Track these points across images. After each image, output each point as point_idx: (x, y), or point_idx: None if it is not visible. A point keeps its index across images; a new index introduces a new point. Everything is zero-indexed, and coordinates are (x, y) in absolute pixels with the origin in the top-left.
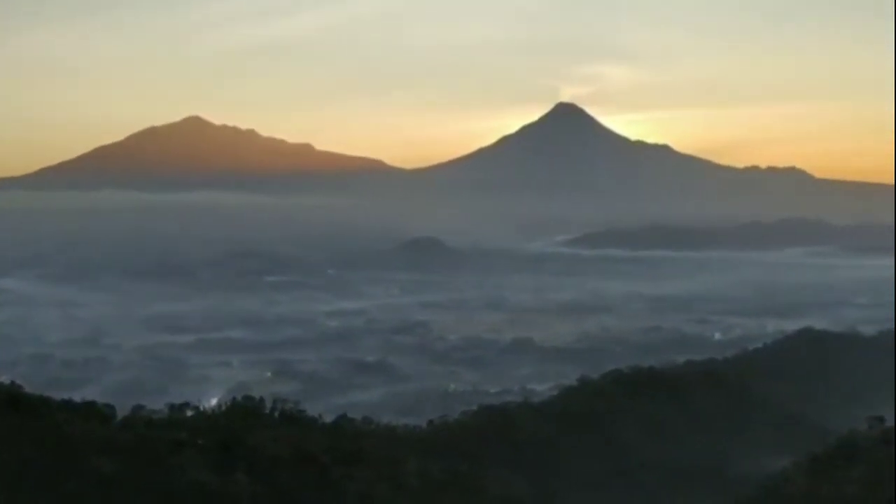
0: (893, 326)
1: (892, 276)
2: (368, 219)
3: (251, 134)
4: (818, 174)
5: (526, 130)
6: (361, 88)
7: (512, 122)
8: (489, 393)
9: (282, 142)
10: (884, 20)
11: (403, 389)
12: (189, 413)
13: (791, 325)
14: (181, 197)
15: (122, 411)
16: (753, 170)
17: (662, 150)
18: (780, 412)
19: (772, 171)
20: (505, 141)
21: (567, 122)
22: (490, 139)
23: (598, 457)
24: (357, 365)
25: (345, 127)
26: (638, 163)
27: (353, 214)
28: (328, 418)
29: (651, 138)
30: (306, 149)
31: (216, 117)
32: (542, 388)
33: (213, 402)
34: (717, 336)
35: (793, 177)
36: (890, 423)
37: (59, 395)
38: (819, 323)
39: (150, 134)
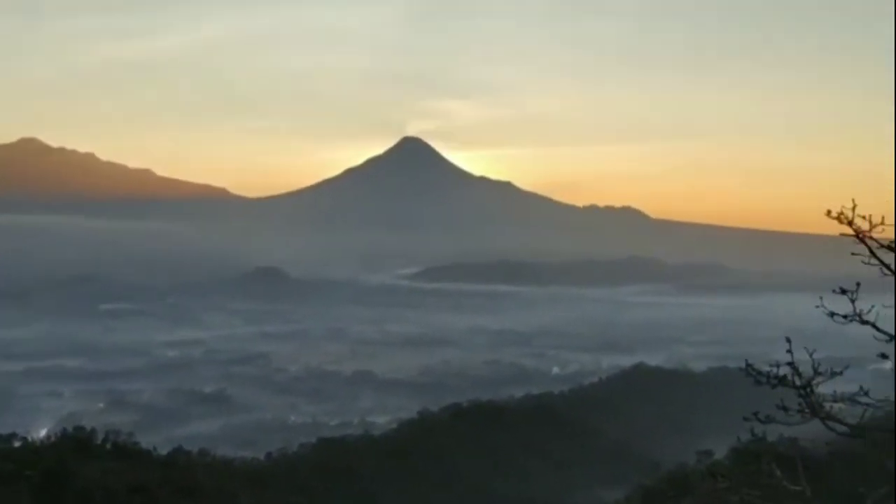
0: (725, 364)
1: (719, 316)
2: (210, 247)
3: (90, 158)
4: (653, 214)
5: (372, 163)
6: (205, 115)
7: (358, 154)
8: (329, 425)
9: (122, 167)
10: (723, 64)
11: (242, 421)
12: (17, 444)
13: (626, 361)
14: (16, 219)
15: None
16: (592, 208)
17: (506, 187)
18: (614, 445)
19: (610, 209)
20: (350, 173)
21: (413, 156)
22: (335, 170)
23: (437, 489)
24: (194, 396)
25: (187, 153)
26: (482, 198)
27: (195, 242)
28: (163, 450)
29: (495, 174)
30: (147, 174)
31: (54, 140)
32: (383, 421)
33: (43, 433)
34: (555, 370)
35: (629, 216)
36: (718, 456)
37: None
38: (652, 359)
39: None
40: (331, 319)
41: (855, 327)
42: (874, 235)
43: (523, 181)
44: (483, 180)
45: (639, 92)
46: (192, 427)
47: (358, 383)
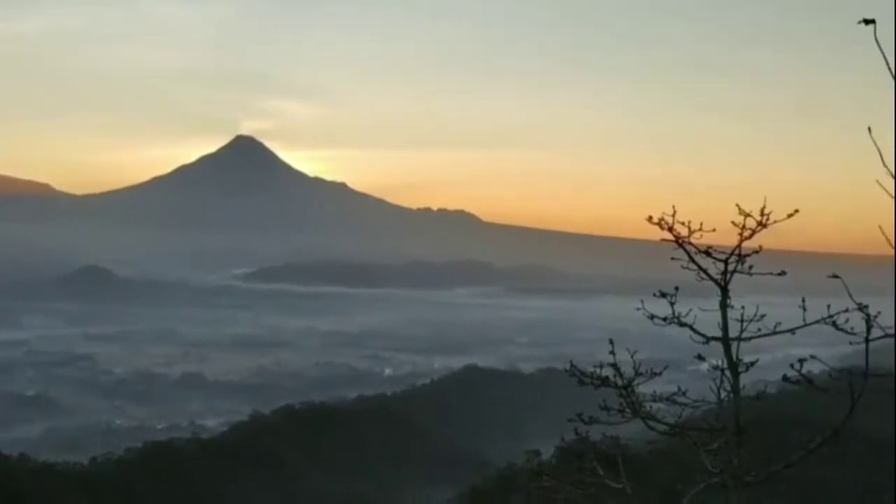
0: (552, 365)
1: (547, 318)
2: (32, 245)
3: None
4: (485, 218)
5: (204, 161)
6: (29, 108)
7: (190, 151)
8: (156, 429)
9: None
10: (557, 74)
11: (65, 425)
12: None
13: (457, 362)
14: None
15: None
16: (426, 211)
17: (340, 188)
18: (445, 445)
19: (443, 212)
20: (182, 170)
21: (246, 155)
22: (167, 168)
23: (268, 490)
24: (15, 399)
25: (8, 147)
26: (316, 199)
27: (16, 240)
28: None
29: (329, 175)
30: None
31: None
32: (213, 424)
33: None
34: (388, 371)
35: (462, 219)
36: (545, 456)
37: None
38: (484, 360)
39: None
40: (160, 320)
41: (673, 329)
42: (692, 241)
43: (358, 183)
44: (317, 181)
45: (473, 99)
46: (13, 431)
47: (187, 385)
